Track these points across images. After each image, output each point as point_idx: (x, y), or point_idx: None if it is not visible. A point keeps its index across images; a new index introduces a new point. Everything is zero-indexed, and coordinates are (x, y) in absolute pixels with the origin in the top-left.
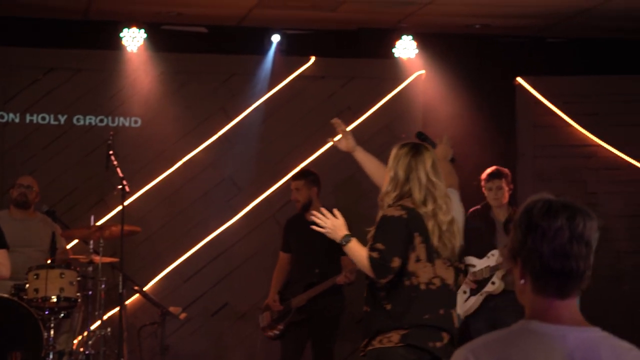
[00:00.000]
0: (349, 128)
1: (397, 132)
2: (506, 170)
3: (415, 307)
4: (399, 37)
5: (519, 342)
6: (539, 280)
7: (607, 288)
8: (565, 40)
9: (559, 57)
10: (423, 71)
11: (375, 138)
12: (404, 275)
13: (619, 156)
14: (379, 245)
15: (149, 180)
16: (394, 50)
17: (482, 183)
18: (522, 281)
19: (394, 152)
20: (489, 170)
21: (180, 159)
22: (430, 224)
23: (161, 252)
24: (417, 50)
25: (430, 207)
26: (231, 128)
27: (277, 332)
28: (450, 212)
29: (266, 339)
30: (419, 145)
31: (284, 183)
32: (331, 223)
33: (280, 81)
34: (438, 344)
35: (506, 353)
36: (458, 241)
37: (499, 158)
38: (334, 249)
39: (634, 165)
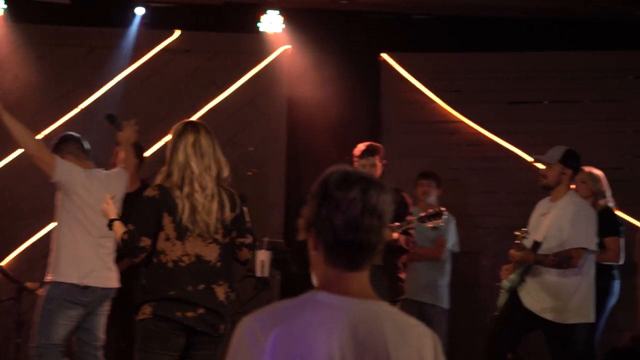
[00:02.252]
0: (214, 102)
1: (263, 107)
2: (379, 145)
3: (162, 283)
4: (265, 12)
5: (305, 311)
6: (331, 251)
7: (468, 264)
8: (431, 17)
9: (424, 34)
10: (289, 46)
11: (240, 113)
12: (153, 253)
13: (481, 133)
14: (130, 226)
15: (6, 154)
16: (259, 24)
17: (355, 159)
18: (316, 252)
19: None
20: (362, 146)
21: (41, 131)
22: (181, 204)
23: (19, 227)
24: (283, 25)
25: (186, 189)
26: (93, 101)
27: None
28: (208, 191)
29: None
30: (188, 124)
31: (149, 156)
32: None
33: (144, 54)
34: (189, 314)
35: (291, 322)
36: (214, 218)
37: (364, 134)
38: None
39: (496, 142)
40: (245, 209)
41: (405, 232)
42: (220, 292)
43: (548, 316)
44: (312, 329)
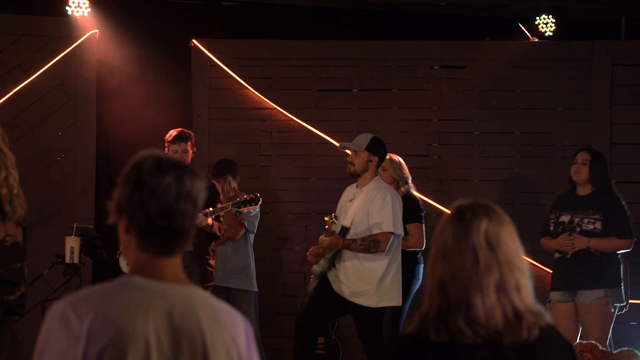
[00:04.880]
0: (20, 86)
1: (70, 91)
2: (190, 132)
3: None
4: None
5: (120, 295)
6: (144, 236)
7: (279, 248)
8: (241, 3)
9: (234, 20)
10: (96, 30)
11: (47, 97)
12: None
13: (292, 119)
14: None
15: None
16: (67, 7)
17: (166, 145)
18: (127, 236)
19: None
20: (173, 132)
21: None
22: (3, 191)
23: None
24: (89, 9)
25: (2, 174)
26: None
27: None
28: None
29: None
30: None
31: None
32: None
33: None
34: (12, 297)
35: (106, 306)
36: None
37: (175, 120)
38: None
39: (306, 129)
40: None
41: (216, 219)
42: (26, 272)
43: (357, 300)
44: (128, 313)
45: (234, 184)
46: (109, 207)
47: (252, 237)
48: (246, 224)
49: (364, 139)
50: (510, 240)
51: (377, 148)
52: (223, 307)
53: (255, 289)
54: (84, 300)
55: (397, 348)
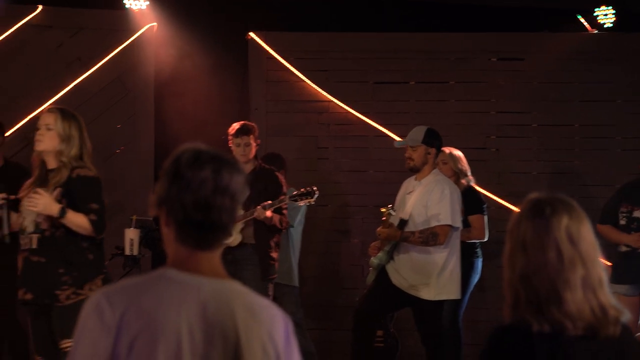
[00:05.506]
0: (79, 80)
1: (128, 84)
2: (253, 125)
3: (102, 255)
4: None
5: (155, 288)
6: (182, 229)
7: (337, 241)
8: None
9: (291, 13)
10: (154, 23)
11: (106, 90)
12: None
13: (349, 112)
14: (94, 206)
15: None
16: (125, 1)
17: (230, 137)
18: (167, 229)
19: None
20: (236, 125)
21: None
22: None
23: None
24: (147, 2)
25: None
26: None
27: None
28: None
29: None
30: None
31: (12, 134)
32: (43, 202)
33: (5, 30)
34: None
35: (140, 298)
36: None
37: (232, 113)
38: None
39: (363, 121)
40: None
41: (278, 212)
42: None
43: (416, 293)
44: (161, 306)
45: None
46: (150, 200)
47: (294, 231)
48: (295, 221)
49: (419, 133)
50: (589, 235)
51: (433, 140)
52: (261, 303)
53: (296, 283)
54: (119, 291)
55: (498, 339)
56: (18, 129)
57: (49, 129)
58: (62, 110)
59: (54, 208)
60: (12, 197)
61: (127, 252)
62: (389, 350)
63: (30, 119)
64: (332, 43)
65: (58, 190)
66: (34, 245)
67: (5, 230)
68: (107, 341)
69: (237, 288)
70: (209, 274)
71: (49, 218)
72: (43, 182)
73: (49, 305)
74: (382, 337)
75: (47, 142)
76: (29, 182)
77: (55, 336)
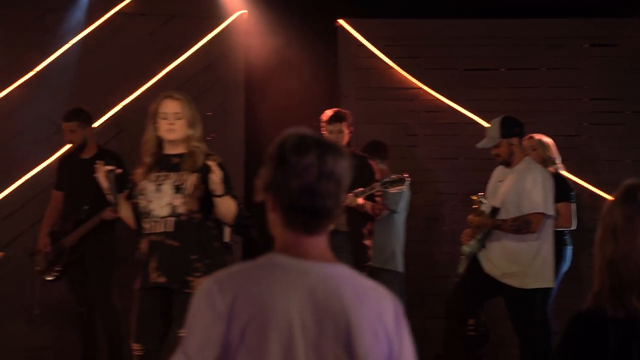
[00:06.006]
0: (170, 67)
1: (220, 71)
2: (347, 112)
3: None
4: None
5: (263, 274)
6: (287, 215)
7: (428, 229)
8: None
9: (381, 0)
10: (245, 11)
11: (197, 77)
12: None
13: (439, 99)
14: (233, 192)
15: None
16: None
17: (323, 125)
18: (273, 214)
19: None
20: (329, 112)
21: None
22: None
23: None
24: None
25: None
26: (47, 65)
27: (55, 274)
28: None
29: (48, 282)
30: None
31: (105, 122)
32: (219, 176)
33: (98, 18)
34: None
35: (249, 284)
36: None
37: (322, 101)
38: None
39: (453, 109)
40: None
41: (371, 199)
42: None
43: (508, 281)
44: (271, 292)
45: (383, 166)
46: (256, 185)
47: (397, 216)
48: (388, 204)
49: (494, 129)
50: None
51: (510, 128)
52: (369, 285)
53: (399, 268)
54: (229, 278)
55: (575, 324)
56: (110, 117)
57: (178, 118)
58: (183, 96)
59: (222, 185)
60: (119, 170)
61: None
62: (480, 338)
63: (123, 107)
64: (422, 30)
65: (196, 175)
66: (170, 229)
67: (114, 200)
68: (219, 328)
69: (344, 271)
70: (316, 258)
71: (187, 202)
72: (167, 167)
73: (174, 290)
74: (473, 325)
75: (180, 131)
76: (143, 167)
77: (174, 322)
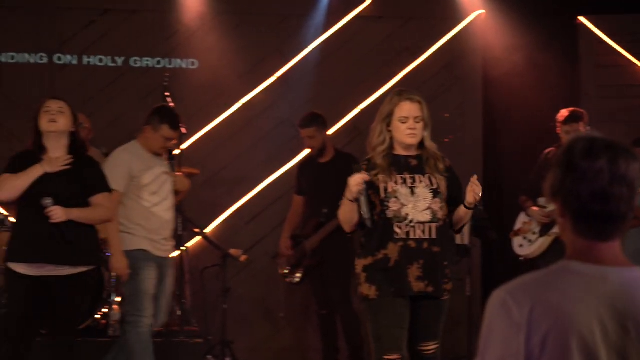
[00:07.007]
0: (408, 69)
1: (457, 72)
2: (583, 111)
3: None
4: None
5: (558, 282)
6: (579, 221)
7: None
8: None
9: None
10: (482, 11)
11: (434, 79)
12: None
13: None
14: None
15: (207, 123)
16: None
17: (558, 125)
18: (562, 219)
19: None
20: (565, 112)
21: (237, 101)
22: None
23: (221, 195)
24: None
25: None
26: (287, 70)
27: (297, 278)
28: None
29: (291, 285)
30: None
31: (343, 125)
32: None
33: (337, 22)
34: None
35: (545, 294)
36: None
37: (560, 100)
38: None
39: None
40: None
41: None
42: None
43: None
44: (568, 300)
45: None
46: (544, 189)
47: None
48: None
49: None
50: None
51: None
52: None
53: None
54: (522, 288)
55: None
56: (349, 120)
57: (418, 121)
58: (421, 97)
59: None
60: (367, 177)
61: (458, 241)
62: None
63: (360, 110)
64: None
65: (443, 178)
66: (433, 235)
67: (367, 214)
68: (519, 339)
69: None
70: (612, 263)
71: (444, 207)
72: (408, 170)
73: (429, 296)
74: None
75: (420, 135)
76: (376, 168)
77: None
